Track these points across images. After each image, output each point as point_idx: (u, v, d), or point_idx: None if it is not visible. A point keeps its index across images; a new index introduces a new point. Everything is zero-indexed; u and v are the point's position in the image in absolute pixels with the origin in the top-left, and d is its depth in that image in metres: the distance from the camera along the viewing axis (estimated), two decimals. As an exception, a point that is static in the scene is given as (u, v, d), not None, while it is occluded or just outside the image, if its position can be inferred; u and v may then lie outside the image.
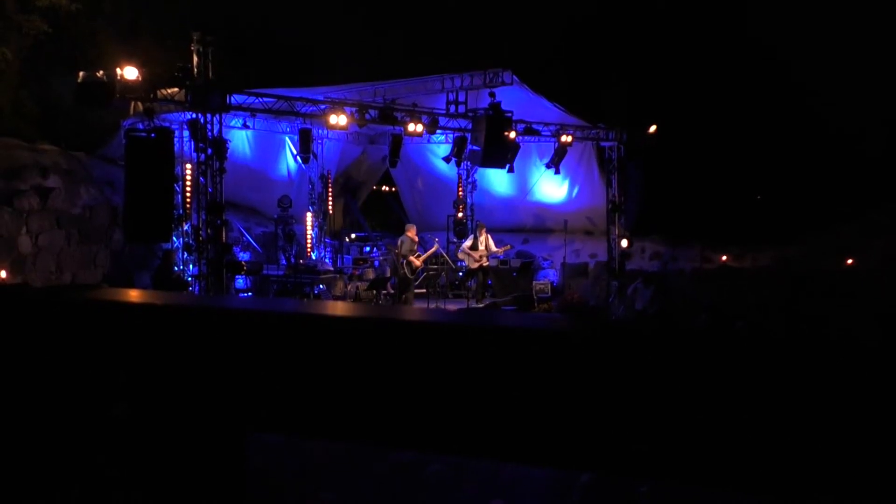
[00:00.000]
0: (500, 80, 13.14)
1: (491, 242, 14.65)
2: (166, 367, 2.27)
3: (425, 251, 13.38)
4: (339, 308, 2.83)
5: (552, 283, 15.96)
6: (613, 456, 1.82)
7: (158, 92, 10.69)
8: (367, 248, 17.48)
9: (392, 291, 14.24)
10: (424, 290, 13.47)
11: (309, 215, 16.48)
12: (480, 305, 14.10)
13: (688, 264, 16.15)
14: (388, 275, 14.90)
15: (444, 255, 13.52)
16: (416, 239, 13.16)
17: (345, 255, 16.88)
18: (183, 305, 2.59)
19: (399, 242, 13.17)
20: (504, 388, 1.96)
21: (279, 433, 2.20)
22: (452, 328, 2.11)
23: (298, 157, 14.97)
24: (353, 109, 12.64)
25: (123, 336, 2.26)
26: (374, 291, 13.47)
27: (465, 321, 2.22)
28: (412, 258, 12.61)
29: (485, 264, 14.53)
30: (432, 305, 13.21)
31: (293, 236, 15.38)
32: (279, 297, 13.54)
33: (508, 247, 15.50)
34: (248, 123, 14.35)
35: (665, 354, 1.87)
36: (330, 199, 17.03)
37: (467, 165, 16.82)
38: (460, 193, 17.08)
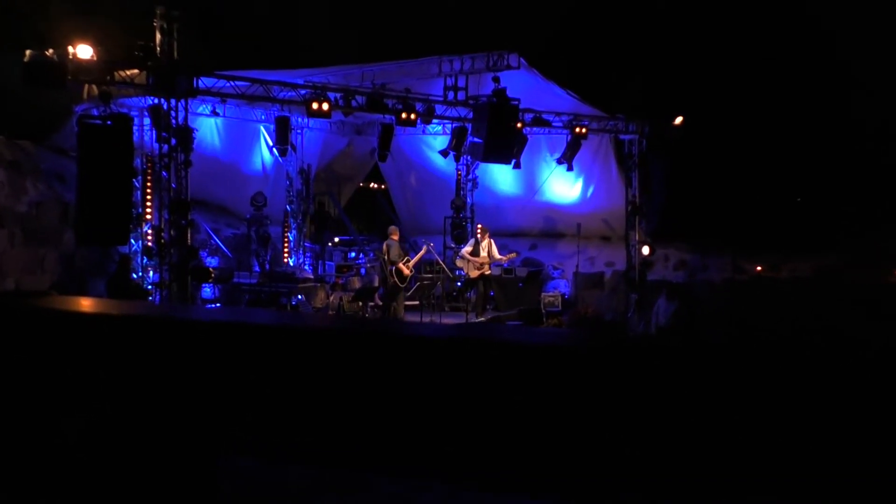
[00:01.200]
0: (505, 63, 13.20)
1: (494, 248, 14.68)
2: (123, 384, 2.28)
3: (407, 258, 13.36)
4: (319, 321, 2.86)
5: (563, 295, 15.99)
6: (628, 490, 1.84)
7: (116, 73, 10.72)
8: (353, 254, 17.48)
9: (380, 303, 14.24)
10: (417, 302, 13.48)
11: (286, 215, 16.50)
12: (481, 320, 14.11)
13: (718, 275, 16.19)
14: (376, 284, 14.90)
15: (441, 262, 13.53)
16: (398, 237, 13.16)
17: (327, 262, 16.89)
18: (141, 316, 2.60)
19: (385, 247, 13.20)
20: (506, 413, 1.98)
21: (254, 457, 2.21)
22: (448, 344, 2.13)
23: (275, 150, 14.99)
24: (338, 95, 12.67)
25: (74, 350, 2.28)
26: (360, 303, 13.47)
27: (463, 336, 2.25)
28: (401, 265, 12.60)
29: (486, 273, 14.55)
30: (426, 319, 13.20)
31: (268, 239, 15.39)
32: (251, 309, 13.54)
33: (514, 254, 15.55)
34: (217, 110, 14.38)
35: (690, 376, 1.90)
36: (311, 196, 17.05)
37: (467, 160, 16.86)
38: (459, 192, 17.12)
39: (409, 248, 15.10)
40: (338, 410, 2.11)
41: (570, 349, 2.11)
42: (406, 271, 12.63)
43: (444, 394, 2.04)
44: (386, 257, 13.11)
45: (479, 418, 2.02)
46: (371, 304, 14.05)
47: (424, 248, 13.26)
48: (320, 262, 16.95)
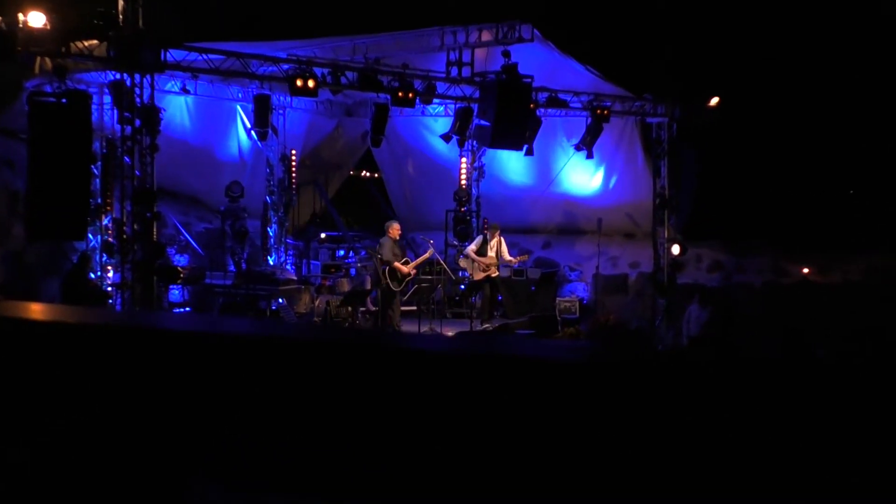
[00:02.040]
0: (516, 35, 13.17)
1: (503, 247, 14.67)
2: (78, 403, 2.27)
3: (416, 256, 13.34)
4: (301, 330, 2.84)
5: (581, 300, 15.99)
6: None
7: (72, 44, 10.71)
8: (342, 252, 17.49)
9: (373, 308, 14.22)
10: (415, 308, 13.48)
11: (266, 207, 16.51)
12: (487, 328, 14.10)
13: (757, 278, 16.18)
14: (368, 287, 14.90)
15: (441, 261, 13.51)
16: (398, 234, 13.05)
17: (312, 261, 16.89)
18: (100, 324, 2.59)
19: (378, 245, 13.18)
20: (514, 440, 1.96)
21: (227, 485, 2.20)
22: (447, 358, 2.11)
23: (253, 133, 15.00)
24: (326, 71, 12.67)
25: (20, 365, 2.26)
26: (350, 308, 13.47)
27: (464, 349, 2.22)
28: (398, 264, 12.54)
29: (494, 275, 14.55)
30: (424, 328, 13.21)
31: (245, 235, 15.40)
32: (226, 315, 13.54)
33: (525, 256, 15.55)
34: (188, 87, 14.38)
35: (727, 395, 1.88)
36: (294, 186, 17.06)
37: (473, 146, 16.86)
38: (463, 182, 17.12)
39: (405, 245, 15.09)
40: (320, 433, 2.09)
41: (588, 366, 2.09)
42: (404, 270, 12.55)
43: (442, 417, 2.03)
44: (379, 256, 13.09)
45: (482, 446, 2.00)
46: (362, 309, 14.04)
47: (430, 251, 13.18)
48: (304, 261, 16.96)
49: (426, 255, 13.17)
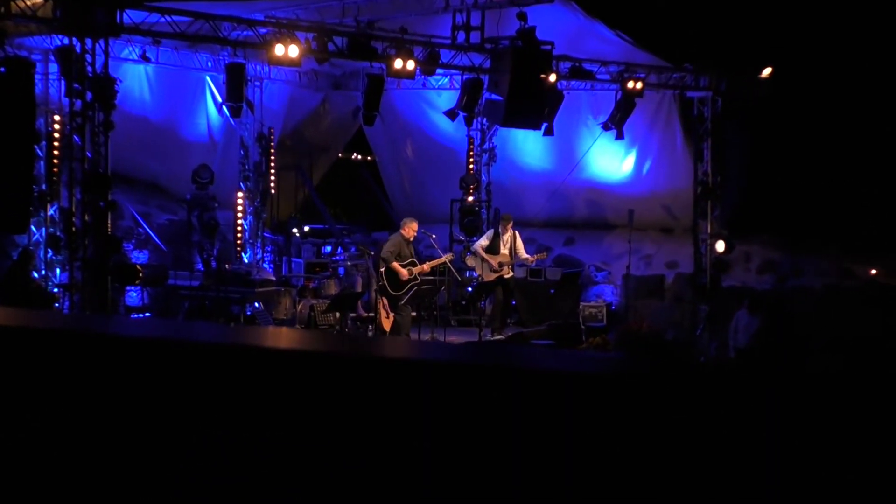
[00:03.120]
0: (534, -6, 13.20)
1: (518, 243, 14.65)
2: (16, 412, 2.28)
3: (419, 261, 13.14)
4: (282, 338, 2.84)
5: (609, 305, 15.96)
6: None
7: (12, 4, 10.72)
8: (328, 249, 17.47)
9: (365, 314, 14.19)
10: (413, 314, 13.46)
11: (240, 196, 16.52)
12: (499, 338, 14.09)
13: (817, 280, 16.13)
14: (359, 289, 14.87)
15: (447, 260, 13.48)
16: (413, 234, 12.80)
17: (293, 259, 16.88)
18: (46, 330, 2.59)
19: (387, 242, 13.08)
20: (529, 466, 1.96)
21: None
22: (452, 371, 2.11)
23: (225, 108, 14.99)
24: (310, 36, 12.65)
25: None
26: (338, 314, 13.47)
27: (472, 360, 2.22)
28: (397, 265, 12.47)
29: (507, 276, 14.53)
30: (426, 336, 13.20)
31: (215, 228, 15.41)
32: (192, 321, 13.55)
33: (543, 255, 15.52)
34: (148, 55, 14.38)
35: (782, 419, 1.88)
36: (273, 171, 17.07)
37: (482, 124, 16.85)
38: (471, 167, 17.12)
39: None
40: (300, 459, 2.10)
41: (616, 382, 2.09)
42: (404, 274, 12.45)
43: (445, 439, 2.03)
44: (372, 254, 13.09)
45: (491, 472, 2.00)
46: (352, 315, 14.03)
47: (448, 256, 13.07)
48: (285, 258, 16.95)
49: (438, 261, 12.91)
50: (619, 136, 15.64)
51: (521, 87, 12.92)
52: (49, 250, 13.04)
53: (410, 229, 12.73)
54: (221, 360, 2.23)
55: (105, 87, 11.12)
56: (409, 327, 12.78)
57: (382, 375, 2.09)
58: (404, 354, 2.38)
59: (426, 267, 12.77)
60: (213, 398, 2.17)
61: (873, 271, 16.41)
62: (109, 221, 11.53)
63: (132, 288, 13.96)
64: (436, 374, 2.08)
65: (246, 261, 16.29)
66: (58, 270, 12.95)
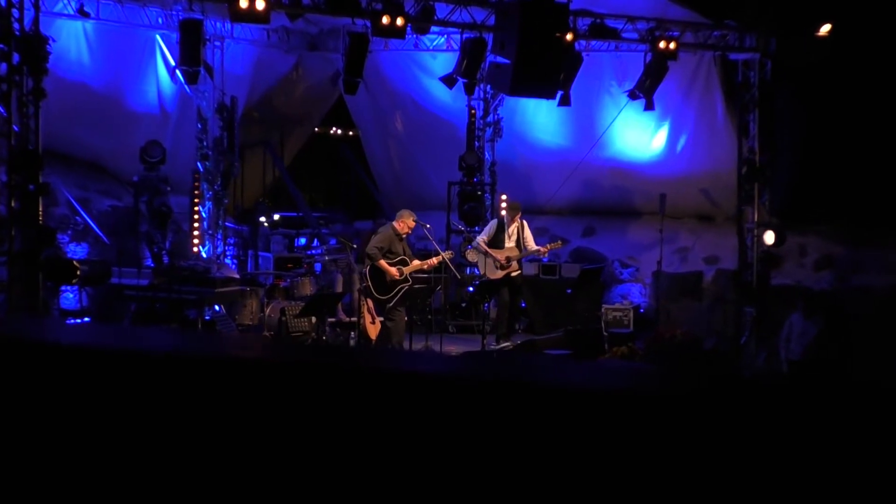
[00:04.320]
0: (547, -63, 13.17)
1: (528, 234, 14.64)
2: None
3: (409, 258, 13.07)
4: (247, 347, 2.84)
5: (636, 307, 15.96)
6: None
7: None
8: (302, 241, 17.45)
9: (346, 319, 14.17)
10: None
11: (197, 178, 16.51)
12: (506, 346, 14.11)
13: (884, 278, 16.14)
14: (339, 289, 14.85)
15: (442, 254, 13.45)
16: (407, 230, 12.67)
17: (261, 253, 16.86)
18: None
19: (372, 234, 13.03)
20: (537, 498, 1.97)
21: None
22: (448, 385, 2.12)
23: (179, 73, 14.96)
24: (281, -13, 12.65)
25: None
26: (314, 319, 13.48)
27: (472, 374, 2.23)
28: (384, 264, 12.43)
29: (514, 273, 14.53)
30: (419, 345, 13.21)
31: (168, 216, 15.40)
32: (140, 326, 13.55)
33: (558, 243, 15.52)
34: (87, 9, 14.36)
35: (845, 445, 1.88)
36: (236, 149, 17.05)
37: (486, 92, 16.84)
38: (473, 143, 17.12)
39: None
40: (272, 489, 2.11)
41: (645, 399, 2.10)
42: (393, 273, 12.41)
43: (439, 468, 2.04)
44: (355, 247, 13.04)
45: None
46: (331, 320, 14.02)
47: (447, 254, 13.00)
48: (251, 252, 16.93)
49: (433, 261, 12.87)
50: (649, 107, 15.62)
51: (531, 48, 12.90)
52: (-31, 243, 13.05)
53: (405, 224, 12.63)
54: (174, 374, 2.23)
55: (35, 47, 11.08)
56: (403, 335, 12.73)
57: (360, 392, 2.09)
58: (388, 366, 2.38)
59: (419, 265, 12.71)
60: (164, 418, 2.16)
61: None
62: (41, 208, 11.50)
63: (68, 287, 13.95)
64: (425, 391, 2.07)
65: (204, 255, 16.26)
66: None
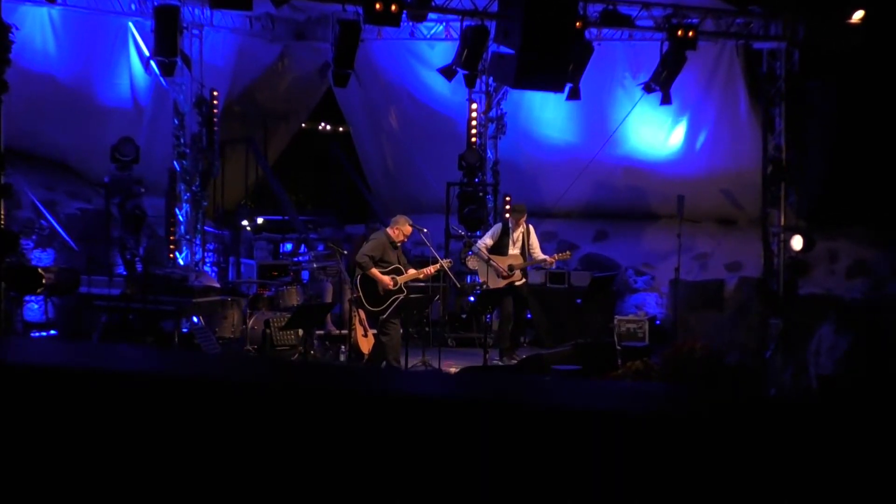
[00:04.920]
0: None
1: (534, 239, 14.64)
2: None
3: (405, 267, 13.03)
4: (228, 365, 2.84)
5: (652, 319, 15.95)
6: None
7: None
8: (289, 247, 17.42)
9: (336, 332, 14.15)
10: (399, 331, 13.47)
11: (173, 178, 16.49)
12: (510, 362, 14.09)
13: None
14: (329, 299, 14.83)
15: (440, 261, 13.45)
16: (403, 238, 12.63)
17: (244, 260, 16.82)
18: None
19: (362, 240, 13.00)
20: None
21: None
22: (447, 408, 2.12)
23: (153, 64, 14.96)
24: (265, -29, 12.64)
25: None
26: (300, 332, 13.46)
27: (472, 395, 2.23)
28: (377, 272, 12.40)
29: (519, 282, 14.53)
30: (415, 360, 13.19)
31: (142, 220, 15.39)
32: (111, 341, 13.54)
33: (567, 254, 15.47)
34: (55, -5, 14.38)
35: (882, 470, 1.88)
36: (216, 146, 17.03)
37: (488, 85, 16.83)
38: (474, 141, 17.11)
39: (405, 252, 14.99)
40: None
41: (662, 421, 2.10)
42: (386, 282, 12.37)
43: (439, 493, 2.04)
44: (345, 253, 13.00)
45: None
46: (320, 332, 14.01)
47: (446, 261, 12.94)
48: (232, 259, 16.91)
49: (431, 269, 12.85)
50: (666, 101, 15.63)
51: (537, 36, 12.90)
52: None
53: (400, 231, 12.59)
54: (149, 395, 2.23)
55: (-3, 36, 11.09)
56: (398, 350, 12.69)
57: (355, 414, 2.09)
58: (379, 386, 2.38)
59: (415, 273, 12.68)
60: (137, 442, 2.16)
61: None
62: (2, 211, 11.49)
63: (32, 298, 13.93)
64: (417, 414, 2.08)
65: (181, 263, 16.26)
66: (-63, 276, 12.94)
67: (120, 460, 2.18)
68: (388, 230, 12.63)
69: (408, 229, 12.62)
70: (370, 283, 12.40)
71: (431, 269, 12.82)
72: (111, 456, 2.19)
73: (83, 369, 2.42)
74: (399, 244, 12.70)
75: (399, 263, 12.60)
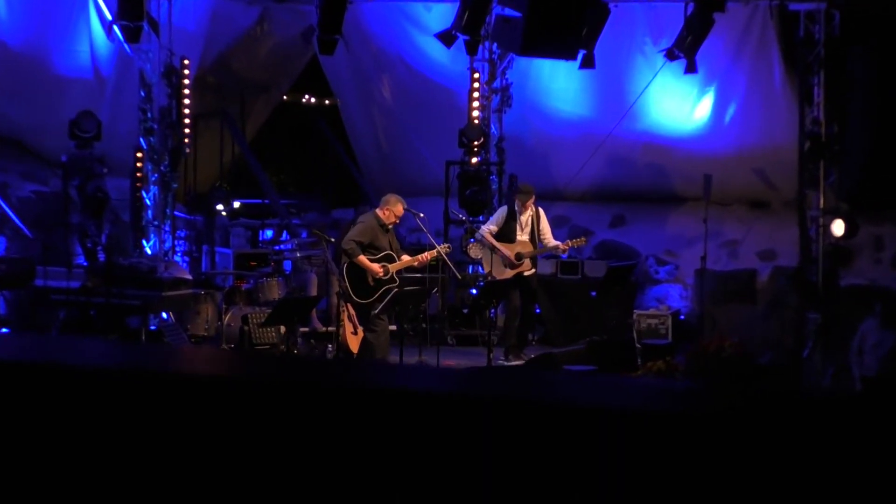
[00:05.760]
0: None
1: (545, 225, 14.63)
2: None
3: (397, 253, 13.02)
4: (199, 360, 2.86)
5: (676, 313, 15.96)
6: None
7: None
8: (269, 234, 17.41)
9: (322, 328, 14.15)
10: (393, 328, 13.45)
11: (140, 157, 16.49)
12: (517, 362, 14.10)
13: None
14: (313, 292, 14.83)
15: (438, 248, 13.45)
16: (394, 219, 12.63)
17: (218, 248, 16.82)
18: None
19: (355, 226, 12.98)
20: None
21: None
22: (447, 404, 2.14)
23: (117, 30, 14.94)
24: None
25: None
26: (282, 329, 13.47)
27: (474, 391, 2.26)
28: (365, 260, 12.38)
29: (528, 272, 14.53)
30: (412, 360, 13.19)
31: (104, 204, 15.39)
32: (70, 337, 13.55)
33: (582, 240, 15.44)
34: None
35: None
36: (188, 121, 17.03)
37: (491, 52, 16.82)
38: (476, 115, 17.10)
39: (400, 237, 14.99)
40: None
41: (685, 422, 2.12)
42: (376, 270, 12.35)
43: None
44: (332, 241, 13.00)
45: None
46: (304, 329, 14.02)
47: (439, 248, 12.90)
48: (206, 248, 16.91)
49: (427, 255, 12.82)
50: (691, 69, 15.61)
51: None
52: None
53: (391, 212, 12.54)
54: (112, 391, 2.25)
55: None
56: (388, 348, 12.71)
57: (354, 408, 2.10)
58: (374, 382, 2.40)
59: (409, 260, 12.65)
60: (99, 441, 2.18)
61: None
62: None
63: (-17, 291, 13.95)
64: (413, 411, 2.09)
65: (149, 252, 16.26)
66: None
67: (74, 454, 2.21)
68: (378, 211, 12.57)
69: (399, 209, 12.56)
70: (358, 273, 12.35)
71: (427, 256, 12.77)
72: (64, 450, 2.21)
73: (40, 363, 2.44)
74: (391, 226, 12.65)
75: (391, 249, 12.51)
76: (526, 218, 14.43)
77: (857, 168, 15.67)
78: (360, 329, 12.77)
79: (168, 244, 16.69)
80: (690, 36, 15.16)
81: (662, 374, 14.05)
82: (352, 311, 12.71)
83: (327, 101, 21.43)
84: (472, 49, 16.04)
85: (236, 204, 18.16)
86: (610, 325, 15.32)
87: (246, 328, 13.71)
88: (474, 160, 16.73)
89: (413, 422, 2.08)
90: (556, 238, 14.73)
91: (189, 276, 15.29)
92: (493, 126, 17.21)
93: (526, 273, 14.40)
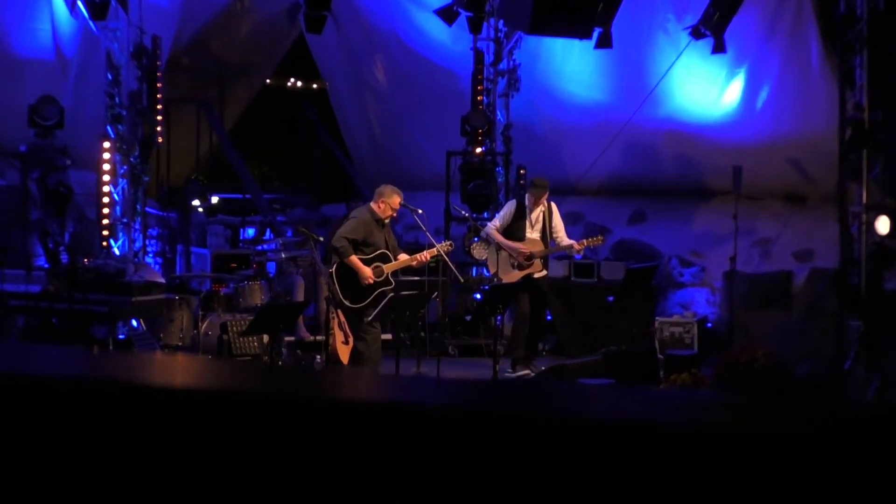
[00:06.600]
0: None
1: (558, 222, 14.64)
2: None
3: (394, 251, 13.03)
4: (170, 370, 2.86)
5: (703, 320, 15.98)
6: None
7: None
8: (251, 232, 17.46)
9: (310, 338, 14.17)
10: (389, 337, 13.48)
11: (107, 148, 16.51)
12: (525, 373, 14.13)
13: None
14: (300, 297, 14.86)
15: (438, 248, 13.48)
16: (391, 213, 12.62)
17: (194, 249, 16.86)
18: None
19: (347, 223, 13.00)
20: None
21: None
22: (449, 419, 2.14)
23: (81, 6, 14.96)
24: None
25: None
26: (265, 338, 13.50)
27: (480, 405, 2.26)
28: (356, 261, 12.39)
29: (538, 274, 14.55)
30: (410, 372, 13.23)
31: (67, 199, 15.42)
32: (30, 346, 13.57)
33: (598, 239, 15.44)
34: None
35: None
36: (160, 108, 17.05)
37: (497, 30, 16.84)
38: (480, 99, 17.13)
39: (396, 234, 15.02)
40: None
41: (714, 439, 2.13)
42: (367, 274, 12.35)
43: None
44: (320, 239, 13.03)
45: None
46: (290, 338, 14.04)
47: (446, 246, 12.89)
48: (180, 248, 16.94)
49: (426, 255, 12.84)
50: (719, 49, 15.65)
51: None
52: None
53: (387, 204, 12.52)
54: (74, 402, 2.24)
55: None
56: (379, 358, 12.70)
57: (348, 425, 2.10)
58: (363, 395, 2.40)
59: (407, 260, 12.65)
60: (58, 457, 2.18)
61: None
62: None
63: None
64: (428, 424, 2.09)
65: (117, 252, 16.28)
66: None
67: (31, 473, 2.21)
68: (372, 204, 12.51)
69: (396, 201, 12.50)
70: (349, 274, 12.31)
71: (427, 255, 12.76)
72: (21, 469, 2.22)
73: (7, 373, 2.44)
74: (387, 221, 12.62)
75: (387, 248, 12.48)
76: (537, 214, 14.41)
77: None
78: (351, 338, 12.78)
79: (138, 244, 16.70)
80: (718, 12, 15.19)
81: (687, 387, 14.07)
82: (342, 318, 12.68)
83: (315, 86, 21.51)
84: (475, 27, 16.08)
85: (214, 199, 18.20)
86: (629, 333, 15.33)
87: (225, 337, 13.72)
88: (478, 150, 16.76)
89: (412, 440, 2.08)
90: (569, 237, 14.71)
91: (162, 280, 15.30)
92: (499, 112, 17.24)
93: (536, 275, 14.40)
